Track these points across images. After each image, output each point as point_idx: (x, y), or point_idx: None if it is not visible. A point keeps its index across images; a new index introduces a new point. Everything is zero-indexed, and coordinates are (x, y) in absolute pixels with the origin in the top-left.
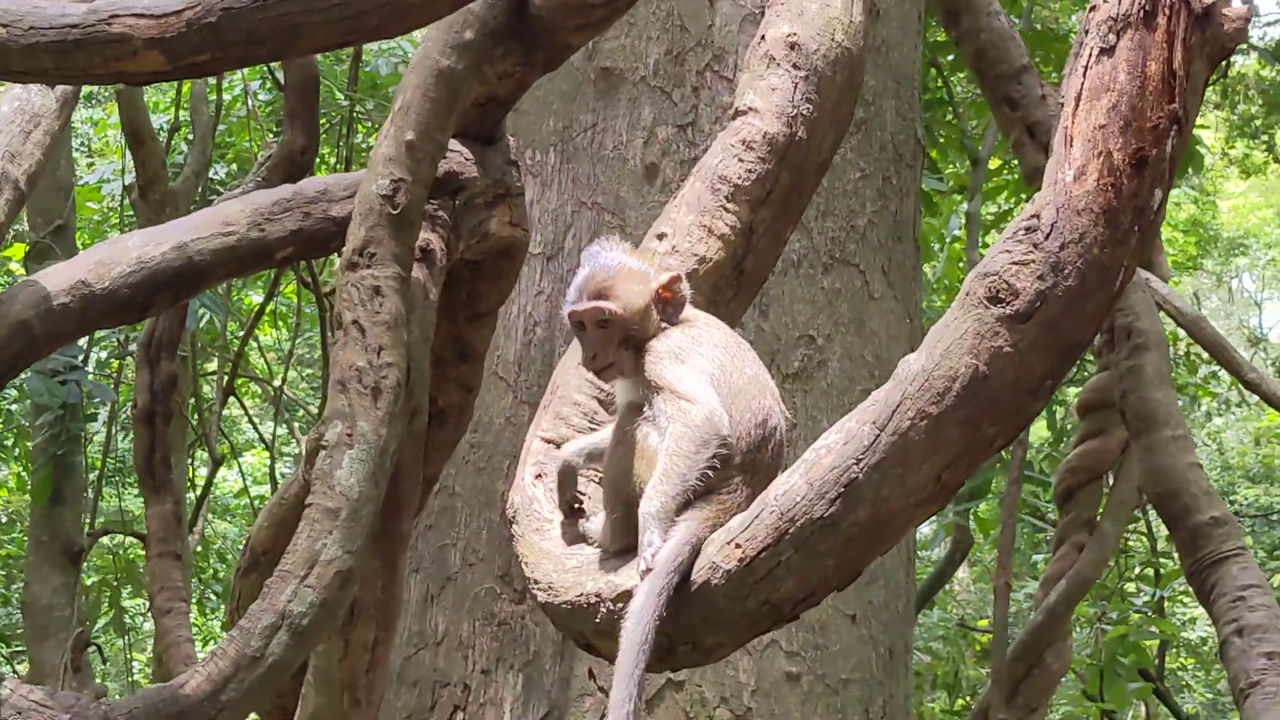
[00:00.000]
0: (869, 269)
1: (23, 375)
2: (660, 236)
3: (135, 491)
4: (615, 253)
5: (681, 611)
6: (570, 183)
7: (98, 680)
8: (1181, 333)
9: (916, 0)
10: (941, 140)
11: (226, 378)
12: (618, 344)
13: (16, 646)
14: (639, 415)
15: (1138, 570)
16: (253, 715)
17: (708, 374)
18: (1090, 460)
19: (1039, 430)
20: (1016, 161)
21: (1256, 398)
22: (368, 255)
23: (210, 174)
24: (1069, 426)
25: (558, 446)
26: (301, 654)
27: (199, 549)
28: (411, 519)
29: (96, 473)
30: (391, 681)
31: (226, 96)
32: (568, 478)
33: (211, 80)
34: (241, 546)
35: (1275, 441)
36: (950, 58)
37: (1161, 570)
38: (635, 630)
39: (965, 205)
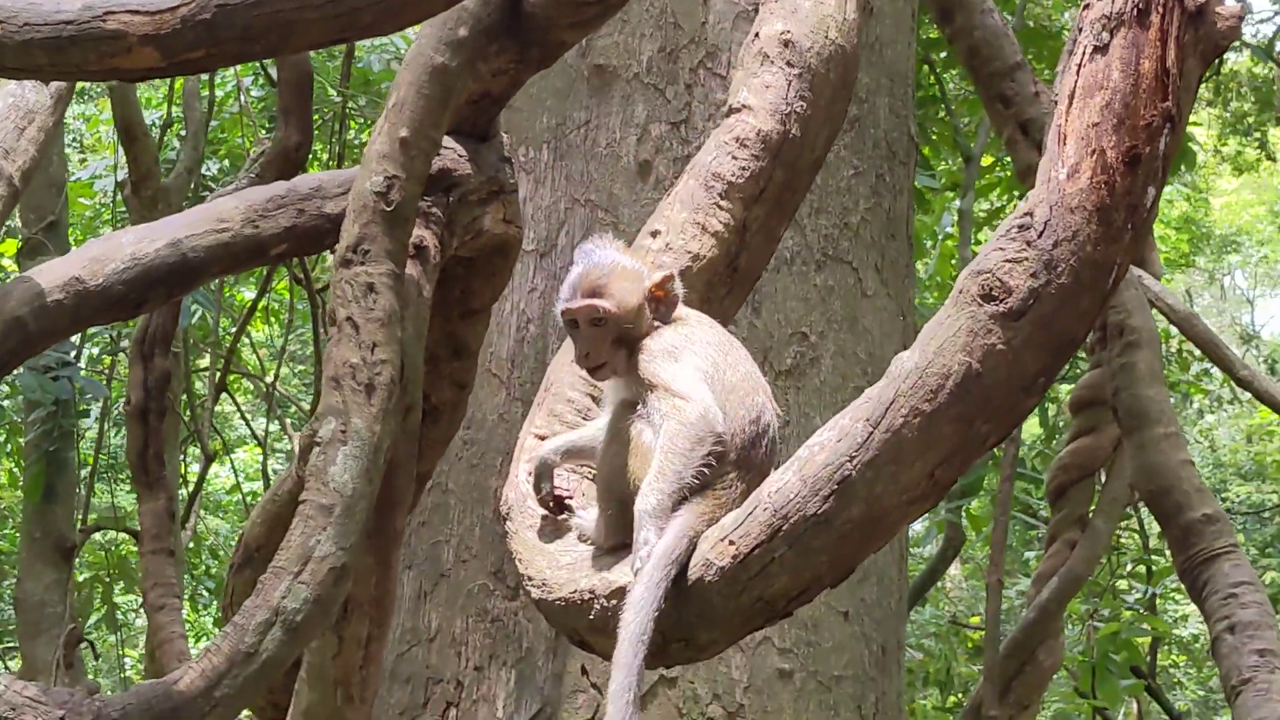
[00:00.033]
0: (862, 266)
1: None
2: (654, 234)
3: (127, 488)
4: (609, 251)
5: (675, 608)
6: (564, 180)
7: (90, 676)
8: (1174, 330)
9: None
10: (934, 137)
11: (219, 374)
12: (611, 342)
13: (9, 643)
14: (632, 412)
15: (1129, 567)
16: (246, 711)
17: (702, 372)
18: (1082, 457)
19: (1031, 427)
20: (1009, 158)
21: (1248, 395)
22: (361, 252)
23: (203, 170)
24: (1061, 424)
25: None
26: (295, 650)
27: (191, 545)
28: (405, 515)
29: (89, 469)
30: (384, 678)
31: (219, 93)
32: (544, 474)
33: (204, 76)
34: (234, 543)
35: (1267, 439)
36: (943, 55)
37: (1153, 567)
38: (634, 621)
39: (958, 202)
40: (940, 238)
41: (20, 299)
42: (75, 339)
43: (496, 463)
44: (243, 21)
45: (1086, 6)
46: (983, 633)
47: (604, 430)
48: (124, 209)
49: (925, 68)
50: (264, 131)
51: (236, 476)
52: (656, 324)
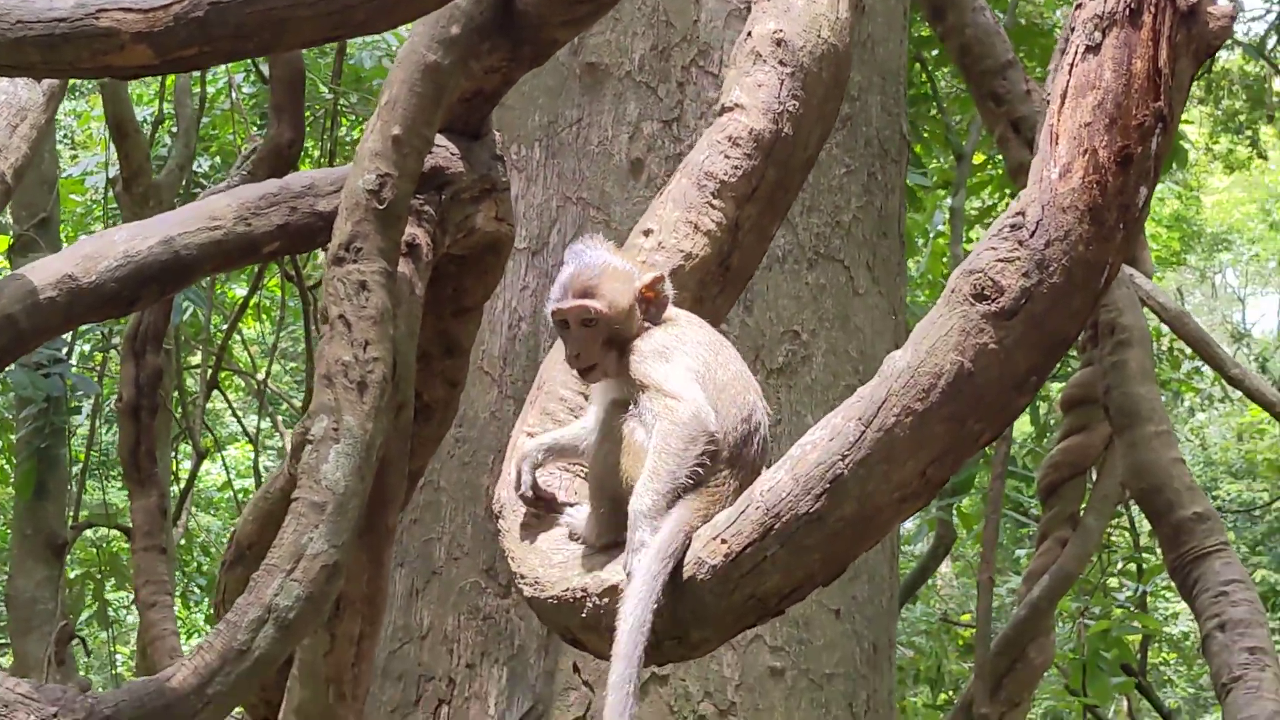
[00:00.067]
0: (854, 264)
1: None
2: (646, 233)
3: (119, 485)
4: (599, 251)
5: (668, 606)
6: (555, 178)
7: (81, 673)
8: (1165, 328)
9: None
10: (926, 135)
11: (210, 371)
12: (602, 343)
13: (0, 640)
14: (624, 411)
15: (1120, 565)
16: (238, 709)
17: (693, 371)
18: (1074, 456)
19: (1022, 425)
20: (1000, 157)
21: (1239, 393)
22: (354, 250)
23: (194, 167)
24: (1052, 422)
25: None
26: (288, 648)
27: (183, 542)
28: (397, 513)
29: (80, 466)
30: (376, 675)
31: (210, 90)
32: (525, 470)
33: (196, 73)
34: (226, 540)
35: (1258, 437)
36: (935, 53)
37: (1144, 565)
38: (633, 613)
39: (949, 200)
40: (932, 236)
41: (12, 296)
42: (66, 336)
43: (488, 461)
44: (235, 19)
45: (1079, 6)
46: (973, 630)
47: (592, 428)
48: (115, 206)
49: (917, 66)
50: (255, 128)
51: (228, 473)
52: (647, 325)
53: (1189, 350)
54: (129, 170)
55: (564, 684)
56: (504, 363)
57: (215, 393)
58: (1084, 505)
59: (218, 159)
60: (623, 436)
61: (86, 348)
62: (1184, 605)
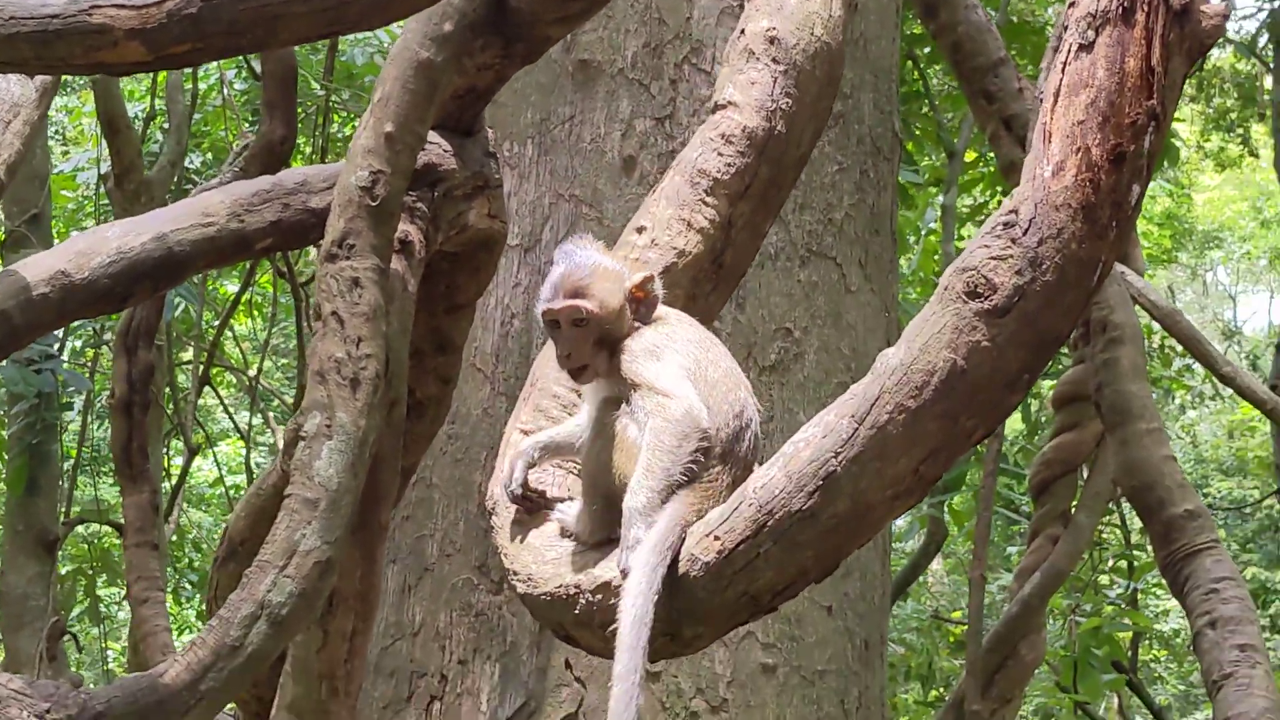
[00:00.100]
0: (846, 262)
1: None
2: (639, 230)
3: (110, 480)
4: (589, 251)
5: (662, 602)
6: (548, 175)
7: (72, 669)
8: (1156, 326)
9: None
10: (918, 133)
11: (202, 367)
12: (593, 343)
13: None
14: (616, 409)
15: (1111, 563)
16: (230, 705)
17: (684, 369)
18: (1065, 453)
19: (1013, 423)
20: (992, 154)
21: (1230, 391)
22: (347, 247)
23: (186, 163)
24: (1043, 419)
25: None
26: (280, 644)
27: (174, 538)
28: (390, 510)
29: (72, 462)
30: (369, 672)
31: (202, 86)
32: (517, 469)
33: (187, 70)
34: (217, 536)
35: (1248, 434)
36: (927, 50)
37: (1135, 563)
38: (633, 606)
39: (941, 198)
40: (923, 233)
41: (5, 292)
42: (58, 332)
43: (481, 457)
44: (229, 16)
45: (1072, 4)
46: (964, 627)
47: (586, 426)
48: (107, 202)
49: (909, 63)
50: (247, 125)
51: (219, 470)
52: (637, 324)
53: (1180, 348)
54: (121, 166)
55: (556, 680)
56: (496, 359)
57: (207, 389)
58: (1075, 502)
59: (209, 155)
60: (615, 434)
61: (78, 344)
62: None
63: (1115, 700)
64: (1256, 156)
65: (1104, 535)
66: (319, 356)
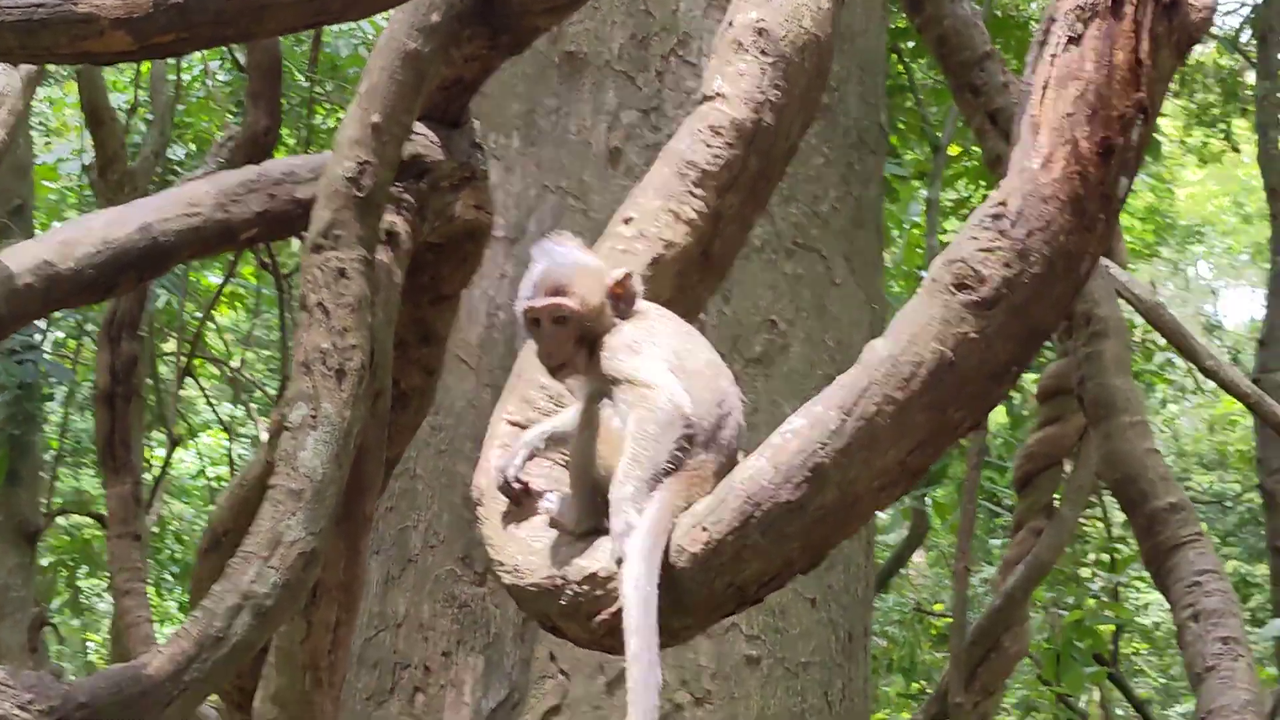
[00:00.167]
0: (831, 254)
1: None
2: (627, 221)
3: (92, 472)
4: (568, 248)
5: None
6: (534, 166)
7: (53, 661)
8: (1137, 319)
9: None
10: (902, 126)
11: (184, 358)
12: (574, 341)
13: None
14: (600, 402)
15: (1093, 557)
16: (213, 696)
17: (664, 361)
18: (1049, 446)
19: (997, 415)
20: (976, 148)
21: (1211, 385)
22: (333, 237)
23: (169, 154)
24: (1025, 413)
25: (523, 429)
26: (264, 635)
27: (156, 530)
28: (375, 501)
29: (53, 453)
30: (352, 663)
31: (186, 77)
32: (513, 461)
33: (171, 60)
34: (199, 527)
35: (1229, 428)
36: (911, 44)
37: (1116, 556)
38: (636, 590)
39: (925, 191)
40: (907, 226)
41: None
42: (40, 322)
43: (465, 449)
44: (215, 6)
45: None
46: (946, 620)
47: (574, 418)
48: (90, 193)
49: (894, 57)
50: (230, 116)
51: (201, 461)
52: (617, 320)
53: (1162, 341)
54: (104, 157)
55: (540, 672)
56: (481, 351)
57: (189, 380)
58: (1059, 495)
59: (193, 146)
60: (599, 424)
61: (60, 335)
62: (1155, 595)
63: (1097, 693)
64: (1238, 151)
65: (1086, 528)
66: (304, 347)
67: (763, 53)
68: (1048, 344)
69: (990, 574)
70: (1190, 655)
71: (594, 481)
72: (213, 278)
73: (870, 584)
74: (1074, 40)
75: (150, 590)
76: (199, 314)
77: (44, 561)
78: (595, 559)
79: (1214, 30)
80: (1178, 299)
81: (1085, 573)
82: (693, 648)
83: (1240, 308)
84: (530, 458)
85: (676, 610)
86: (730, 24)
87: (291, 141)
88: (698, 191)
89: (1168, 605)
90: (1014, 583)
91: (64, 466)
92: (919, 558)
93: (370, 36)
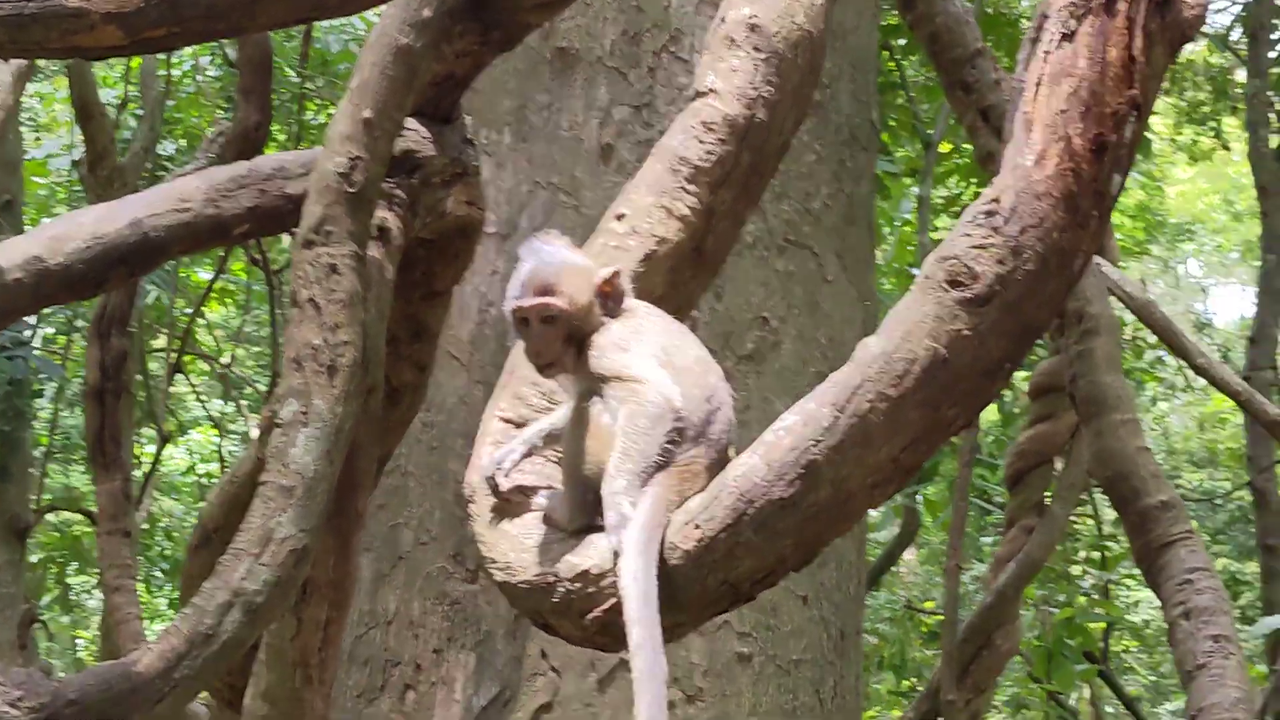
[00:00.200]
0: (823, 251)
1: None
2: (619, 217)
3: (81, 468)
4: (556, 247)
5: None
6: (525, 162)
7: (42, 657)
8: (1128, 317)
9: None
10: (893, 123)
11: (174, 355)
12: (562, 340)
13: None
14: (591, 399)
15: (1084, 554)
16: (204, 694)
17: (653, 357)
18: (1040, 444)
19: (988, 413)
20: (967, 145)
21: (1202, 383)
22: (324, 233)
23: (159, 150)
24: (1016, 411)
25: (516, 426)
26: (255, 632)
27: (146, 527)
28: (366, 498)
29: (43, 449)
30: (342, 660)
31: (176, 72)
32: (515, 454)
33: (161, 55)
34: (189, 524)
35: (1219, 426)
36: (903, 41)
37: (1107, 554)
38: (634, 582)
39: (916, 188)
40: (898, 224)
41: None
42: (30, 318)
43: (456, 445)
44: (207, 0)
45: None
46: (936, 618)
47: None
48: (80, 188)
49: (885, 54)
50: (220, 112)
51: (191, 458)
52: (605, 319)
53: (1152, 339)
54: (94, 153)
55: (531, 670)
56: (473, 347)
57: (179, 376)
58: (1050, 493)
59: (183, 142)
60: (590, 420)
61: (50, 331)
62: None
63: (1087, 690)
64: (1229, 150)
65: (1077, 526)
66: (295, 343)
67: (755, 49)
68: (1039, 341)
69: (981, 571)
70: (1181, 653)
71: (585, 479)
72: (203, 274)
73: (862, 581)
74: (1067, 37)
75: (140, 587)
76: (189, 310)
77: (33, 558)
78: (587, 556)
79: (1204, 28)
80: (1168, 297)
81: (1076, 570)
82: (684, 645)
83: (1230, 305)
84: (527, 455)
85: (669, 608)
86: (723, 20)
87: (282, 137)
88: (690, 188)
89: (1158, 603)
90: (1005, 580)
91: (54, 463)
92: (910, 555)
93: (361, 32)
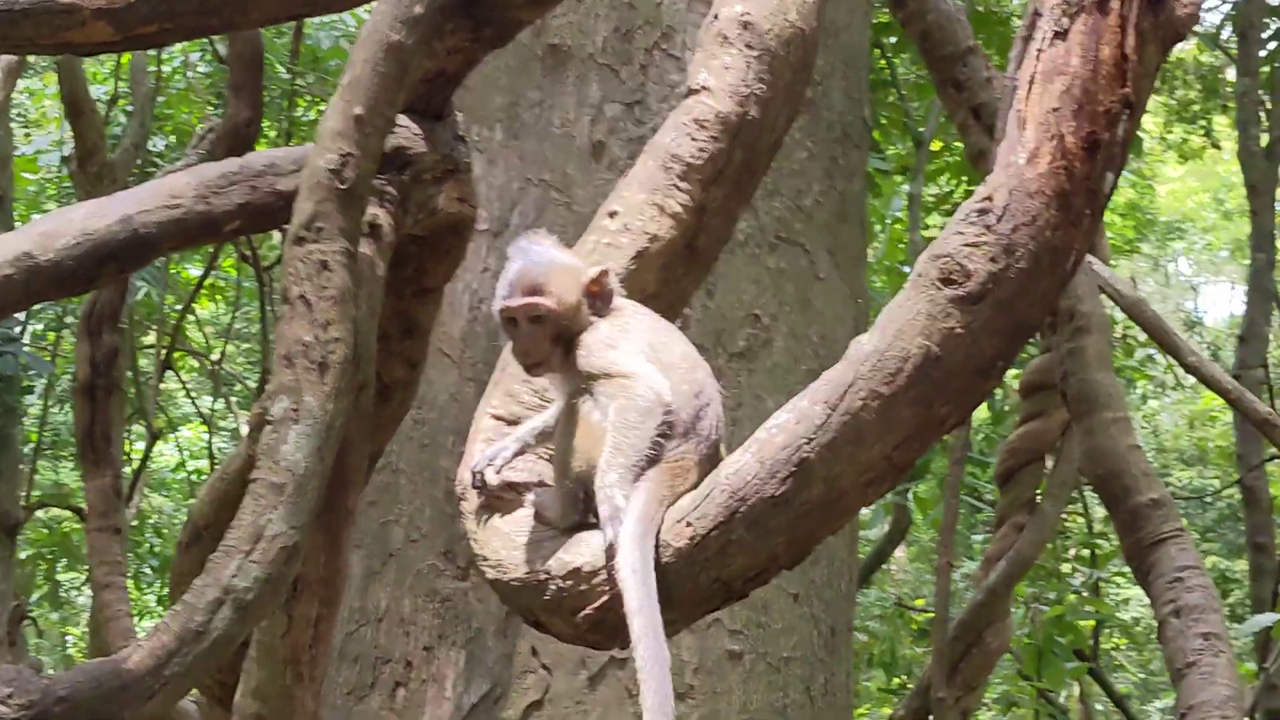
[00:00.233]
0: (815, 249)
1: None
2: (612, 214)
3: (71, 465)
4: (545, 247)
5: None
6: (517, 159)
7: (31, 654)
8: (1119, 315)
9: None
10: (884, 121)
11: (164, 351)
12: (550, 339)
13: None
14: (580, 396)
15: (1074, 552)
16: (194, 690)
17: (640, 353)
18: (1031, 441)
19: (979, 411)
20: (958, 143)
21: (1192, 381)
22: (315, 229)
23: (149, 146)
24: (1006, 409)
25: (508, 423)
26: (245, 629)
27: (135, 524)
28: (357, 495)
29: (33, 446)
30: (333, 658)
31: (166, 69)
32: (506, 452)
33: (151, 52)
34: (179, 521)
35: (1209, 424)
36: (894, 39)
37: (1098, 551)
38: (632, 575)
39: (907, 186)
40: (889, 221)
41: None
42: (20, 315)
43: (447, 442)
44: None
45: None
46: (928, 615)
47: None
48: (70, 184)
49: (877, 52)
50: (211, 108)
51: (181, 454)
52: (593, 318)
53: (1142, 337)
54: (84, 149)
55: (522, 667)
56: (464, 344)
57: (169, 373)
58: (1041, 491)
59: (173, 138)
60: (580, 417)
61: (40, 327)
62: (1135, 591)
63: (1077, 688)
64: (1219, 148)
65: (1067, 524)
66: (286, 340)
67: (748, 46)
68: (1030, 339)
69: (972, 569)
70: (1171, 651)
71: (577, 476)
72: (193, 270)
73: (853, 579)
74: (1060, 35)
75: (130, 584)
76: (179, 307)
77: (23, 555)
78: (579, 553)
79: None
80: (1158, 295)
81: (1066, 568)
82: (675, 643)
83: (1220, 304)
84: (519, 452)
85: (662, 605)
86: (715, 17)
87: (273, 133)
88: (682, 185)
89: (1148, 601)
90: (996, 578)
91: (43, 459)
92: (901, 553)
93: (352, 29)
